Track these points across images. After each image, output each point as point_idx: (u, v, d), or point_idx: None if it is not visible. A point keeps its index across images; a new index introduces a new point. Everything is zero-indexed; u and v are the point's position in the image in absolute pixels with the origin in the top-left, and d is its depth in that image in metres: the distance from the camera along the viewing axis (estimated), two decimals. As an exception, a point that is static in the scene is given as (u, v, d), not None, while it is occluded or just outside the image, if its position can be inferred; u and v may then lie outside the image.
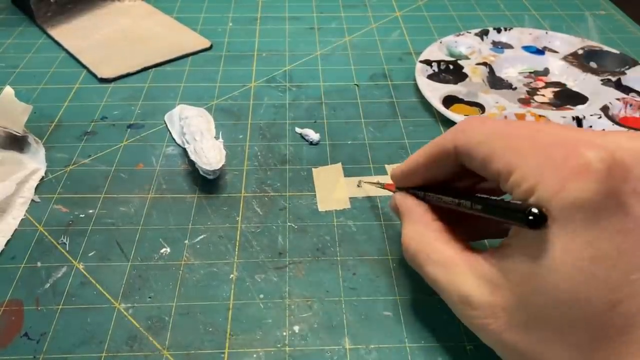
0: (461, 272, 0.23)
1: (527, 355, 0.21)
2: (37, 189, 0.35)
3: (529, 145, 0.21)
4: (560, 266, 0.19)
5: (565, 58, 0.49)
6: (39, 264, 0.31)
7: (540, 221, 0.19)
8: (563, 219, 0.19)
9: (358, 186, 0.36)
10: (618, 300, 0.18)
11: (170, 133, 0.41)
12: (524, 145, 0.21)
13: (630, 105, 0.43)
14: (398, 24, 0.57)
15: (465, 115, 0.41)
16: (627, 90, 0.45)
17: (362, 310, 0.28)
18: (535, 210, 0.19)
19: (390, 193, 0.31)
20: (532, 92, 0.46)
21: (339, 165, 0.38)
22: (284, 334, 0.27)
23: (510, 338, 0.21)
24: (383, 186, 0.32)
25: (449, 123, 0.41)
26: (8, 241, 0.32)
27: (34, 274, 0.30)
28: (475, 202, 0.23)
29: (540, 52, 0.50)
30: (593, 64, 0.49)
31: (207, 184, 0.36)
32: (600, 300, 0.18)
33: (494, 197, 0.23)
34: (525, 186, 0.20)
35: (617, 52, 0.49)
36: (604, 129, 0.40)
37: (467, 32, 0.53)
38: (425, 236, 0.25)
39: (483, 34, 0.53)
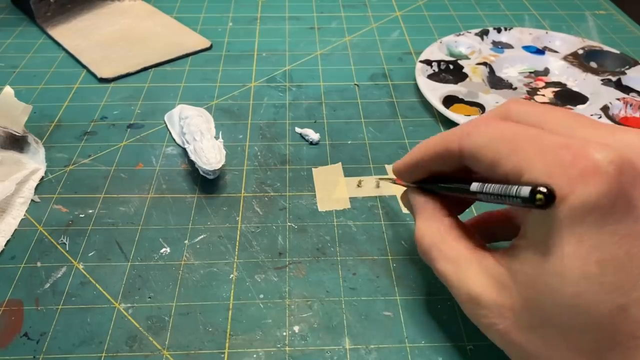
0: (471, 270, 0.23)
1: (533, 357, 0.20)
2: (37, 189, 0.35)
3: (536, 147, 0.20)
4: (566, 270, 0.18)
5: (565, 58, 0.49)
6: (38, 263, 0.31)
7: (548, 200, 0.18)
8: (571, 222, 0.18)
9: (377, 187, 0.36)
10: (626, 305, 0.18)
11: (170, 133, 0.41)
12: (531, 148, 0.20)
13: (631, 105, 0.43)
14: (398, 24, 0.57)
15: (465, 115, 0.41)
16: (627, 90, 0.45)
17: (362, 310, 0.28)
18: (542, 189, 0.18)
19: (391, 189, 0.31)
20: (532, 92, 0.46)
21: (339, 165, 0.38)
22: (284, 334, 0.27)
23: (517, 339, 0.21)
24: (395, 181, 0.32)
25: (449, 123, 0.41)
26: (8, 241, 0.32)
27: (33, 273, 0.30)
28: (482, 188, 0.22)
29: (540, 52, 0.50)
30: (593, 64, 0.49)
31: (207, 183, 0.36)
32: (608, 305, 0.18)
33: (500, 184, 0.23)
34: None
35: (617, 52, 0.49)
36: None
37: (467, 32, 0.53)
38: (438, 232, 0.25)
39: (483, 33, 0.53)
